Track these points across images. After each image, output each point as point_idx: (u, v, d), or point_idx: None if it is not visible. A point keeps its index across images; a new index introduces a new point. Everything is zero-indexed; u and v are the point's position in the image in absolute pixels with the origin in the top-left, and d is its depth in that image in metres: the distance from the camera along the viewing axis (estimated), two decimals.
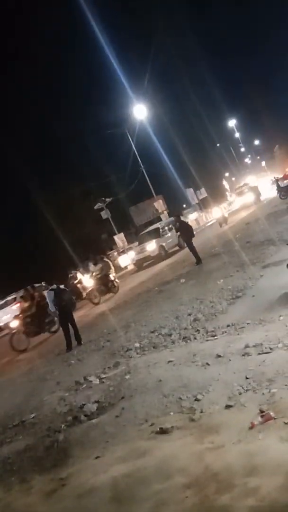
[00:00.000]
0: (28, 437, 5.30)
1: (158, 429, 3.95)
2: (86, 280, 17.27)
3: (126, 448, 3.90)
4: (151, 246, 21.99)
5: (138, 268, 22.83)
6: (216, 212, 30.08)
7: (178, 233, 16.49)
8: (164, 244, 22.19)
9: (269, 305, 6.35)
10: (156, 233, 22.95)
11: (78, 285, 17.77)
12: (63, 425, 5.06)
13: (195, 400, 4.23)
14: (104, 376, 6.25)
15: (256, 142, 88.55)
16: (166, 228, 23.46)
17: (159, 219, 39.91)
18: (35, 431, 5.36)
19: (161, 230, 23.20)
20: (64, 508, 3.39)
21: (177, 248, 22.82)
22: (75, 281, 18.24)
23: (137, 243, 25.84)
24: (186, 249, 20.76)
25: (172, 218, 27.00)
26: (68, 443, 4.56)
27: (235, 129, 74.18)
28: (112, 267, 17.29)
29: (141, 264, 22.53)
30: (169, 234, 22.96)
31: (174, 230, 23.04)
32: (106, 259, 17.35)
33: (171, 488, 3.03)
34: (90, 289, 16.05)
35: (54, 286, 9.87)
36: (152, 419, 4.24)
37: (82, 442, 4.43)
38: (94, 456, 4.02)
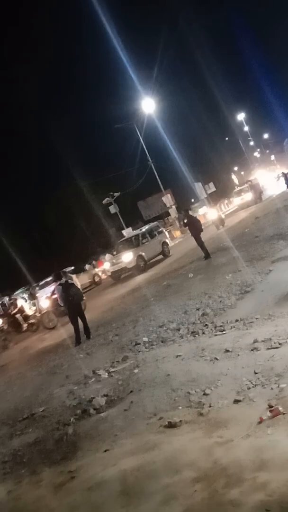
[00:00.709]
0: (37, 430, 5.34)
1: (167, 423, 3.96)
2: (29, 308, 15.62)
3: (135, 442, 3.92)
4: (127, 257, 19.77)
5: (115, 280, 20.81)
6: (212, 213, 27.05)
7: (186, 228, 15.99)
8: (143, 253, 19.91)
9: (279, 300, 6.33)
10: (135, 242, 20.79)
11: (18, 316, 15.47)
12: (72, 418, 5.10)
13: (204, 394, 4.24)
14: (112, 370, 6.28)
15: (266, 135, 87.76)
16: (147, 235, 21.41)
17: (168, 214, 39.81)
18: (45, 424, 5.41)
19: (140, 238, 20.96)
20: (73, 501, 3.42)
21: (160, 257, 21.13)
22: (14, 311, 15.91)
23: (115, 252, 23.46)
24: (171, 258, 19.82)
25: (155, 223, 24.22)
26: (77, 436, 4.60)
27: (244, 123, 73.55)
28: (78, 282, 15.64)
29: (117, 277, 20.62)
30: (150, 242, 20.99)
31: (156, 237, 21.45)
32: (70, 274, 15.57)
33: (180, 482, 3.04)
34: (38, 315, 14.33)
35: (63, 280, 9.92)
36: (161, 413, 4.26)
37: (91, 435, 4.46)
38: (103, 449, 4.04)
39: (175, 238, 32.62)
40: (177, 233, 34.14)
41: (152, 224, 24.55)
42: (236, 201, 33.07)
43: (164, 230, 24.48)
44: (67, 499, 3.49)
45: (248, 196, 31.64)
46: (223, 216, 25.89)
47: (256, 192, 32.16)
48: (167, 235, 25.08)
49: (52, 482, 3.87)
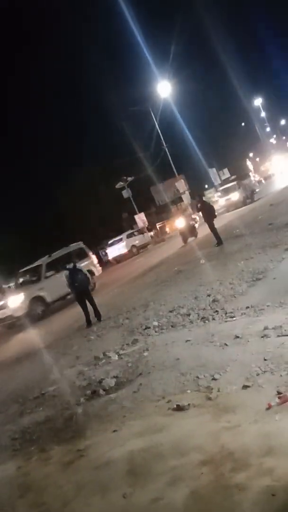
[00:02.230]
0: (48, 409, 5.44)
1: (175, 406, 3.99)
2: None
3: (143, 424, 3.96)
4: (16, 301, 14.10)
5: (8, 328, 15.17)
6: (179, 221, 20.48)
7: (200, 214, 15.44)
8: (44, 294, 14.22)
9: None
10: (36, 275, 14.91)
11: None
12: (82, 399, 5.18)
13: (213, 379, 4.25)
14: (122, 352, 6.33)
15: (283, 121, 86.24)
16: (57, 264, 14.90)
17: (180, 199, 39.48)
18: (55, 404, 5.50)
19: (44, 269, 15.04)
20: (81, 479, 3.48)
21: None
22: None
23: (13, 285, 17.64)
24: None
25: (76, 244, 17.43)
26: (86, 416, 4.67)
27: (261, 108, 72.32)
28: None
29: (6, 326, 15.06)
30: (58, 276, 14.28)
31: (65, 272, 14.34)
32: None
33: (187, 464, 3.07)
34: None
35: (71, 265, 9.91)
36: (169, 396, 4.29)
37: (100, 416, 4.52)
38: (112, 430, 4.10)
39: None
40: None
41: (71, 246, 17.21)
42: (221, 201, 27.07)
43: (90, 254, 17.89)
44: (75, 477, 3.56)
45: (235, 196, 26.09)
46: (195, 224, 20.66)
47: (247, 190, 27.15)
48: (95, 261, 17.93)
49: (61, 460, 3.95)
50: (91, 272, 15.49)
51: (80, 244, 17.65)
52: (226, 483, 2.73)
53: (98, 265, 18.36)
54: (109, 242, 31.59)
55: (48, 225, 42.09)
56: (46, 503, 3.39)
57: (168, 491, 2.88)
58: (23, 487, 3.80)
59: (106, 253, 32.80)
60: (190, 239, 18.98)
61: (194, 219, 21.11)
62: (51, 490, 3.54)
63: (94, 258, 18.01)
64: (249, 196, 27.00)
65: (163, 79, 35.16)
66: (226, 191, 27.58)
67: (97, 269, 17.61)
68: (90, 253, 17.99)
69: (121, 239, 30.46)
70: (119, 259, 30.10)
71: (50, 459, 4.09)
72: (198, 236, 18.98)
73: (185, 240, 19.05)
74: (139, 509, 2.83)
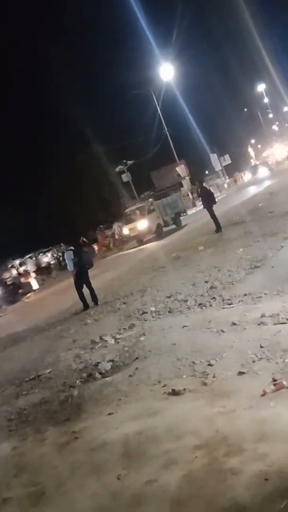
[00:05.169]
0: (43, 391, 5.47)
1: (171, 390, 4.01)
2: None
3: (138, 407, 3.99)
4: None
5: None
6: None
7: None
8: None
9: None
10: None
11: None
12: (78, 381, 5.20)
13: (208, 365, 4.27)
14: (119, 336, 6.35)
15: (286, 108, 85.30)
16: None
17: (180, 185, 39.16)
18: (51, 386, 5.53)
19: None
20: (76, 460, 3.51)
21: None
22: None
23: None
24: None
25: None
26: (82, 398, 4.69)
27: (264, 94, 71.48)
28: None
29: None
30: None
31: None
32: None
33: (181, 448, 3.10)
34: None
35: (72, 247, 9.91)
36: (165, 380, 4.31)
37: (96, 399, 4.55)
38: (107, 413, 4.12)
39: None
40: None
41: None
42: (125, 230, 20.16)
43: None
44: (70, 458, 3.59)
45: (143, 224, 18.28)
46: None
47: (166, 214, 19.18)
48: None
49: (56, 441, 3.98)
50: None
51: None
52: (219, 467, 2.76)
53: None
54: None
55: (46, 209, 41.88)
56: (40, 482, 3.42)
57: (162, 474, 2.91)
58: (18, 467, 3.83)
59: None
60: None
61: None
62: (45, 471, 3.58)
63: None
64: (170, 222, 19.07)
65: (166, 62, 34.68)
66: (132, 216, 19.36)
67: None
68: None
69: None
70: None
71: (45, 440, 4.12)
72: None
73: None
74: (133, 490, 2.86)
